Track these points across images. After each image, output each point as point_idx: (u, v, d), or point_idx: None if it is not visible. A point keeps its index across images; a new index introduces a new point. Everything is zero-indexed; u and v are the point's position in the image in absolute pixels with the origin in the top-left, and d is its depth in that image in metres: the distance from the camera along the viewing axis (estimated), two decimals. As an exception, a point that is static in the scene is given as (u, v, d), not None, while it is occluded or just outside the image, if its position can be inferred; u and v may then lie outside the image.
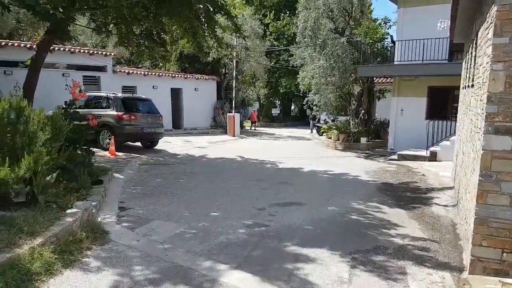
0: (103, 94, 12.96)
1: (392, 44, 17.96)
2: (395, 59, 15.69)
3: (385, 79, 22.85)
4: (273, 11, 35.15)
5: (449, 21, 14.27)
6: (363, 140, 16.88)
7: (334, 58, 15.11)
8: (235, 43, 21.68)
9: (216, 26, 10.09)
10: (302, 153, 15.10)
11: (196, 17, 9.92)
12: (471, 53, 7.15)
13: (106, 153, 11.42)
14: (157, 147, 13.88)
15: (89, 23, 10.48)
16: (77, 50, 16.63)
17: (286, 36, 33.36)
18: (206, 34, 10.62)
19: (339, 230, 5.41)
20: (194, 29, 10.03)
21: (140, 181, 8.06)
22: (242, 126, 26.47)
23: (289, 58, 25.12)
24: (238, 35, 10.12)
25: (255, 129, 27.08)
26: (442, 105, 15.45)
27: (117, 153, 11.46)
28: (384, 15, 63.04)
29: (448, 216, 6.32)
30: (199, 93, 22.94)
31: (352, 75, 17.41)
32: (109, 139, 11.78)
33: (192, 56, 23.74)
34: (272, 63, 33.18)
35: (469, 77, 7.19)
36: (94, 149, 12.14)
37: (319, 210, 6.46)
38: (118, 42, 10.11)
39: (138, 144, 13.81)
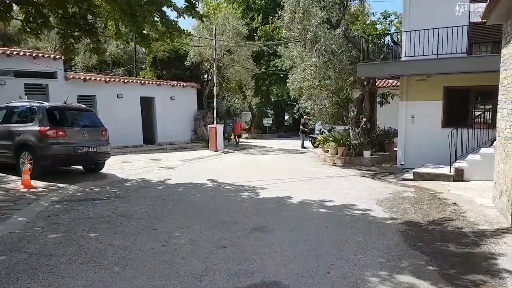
0: (25, 103, 9.95)
1: (392, 44, 15.22)
2: (403, 55, 12.88)
3: (389, 82, 20.03)
4: (261, 14, 32.61)
5: (469, 4, 11.59)
6: (367, 153, 13.97)
7: (328, 55, 12.24)
8: (214, 43, 18.91)
9: (163, 4, 7.21)
10: (294, 172, 12.15)
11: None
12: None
13: (19, 183, 8.37)
14: (105, 170, 10.83)
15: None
16: (15, 53, 13.68)
17: (275, 40, 30.77)
18: (154, 16, 7.75)
19: None
20: (132, 9, 7.14)
21: (16, 243, 4.91)
22: (229, 139, 23.58)
23: (277, 61, 22.39)
24: (192, 14, 7.22)
25: (237, 145, 21.94)
26: (462, 109, 12.62)
27: (36, 182, 8.43)
28: (381, 11, 60.33)
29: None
30: (176, 103, 20.00)
31: (351, 77, 14.61)
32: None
33: (167, 61, 20.95)
34: (262, 69, 30.48)
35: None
36: (13, 177, 9.36)
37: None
38: (22, 29, 7.18)
39: (80, 167, 10.79)
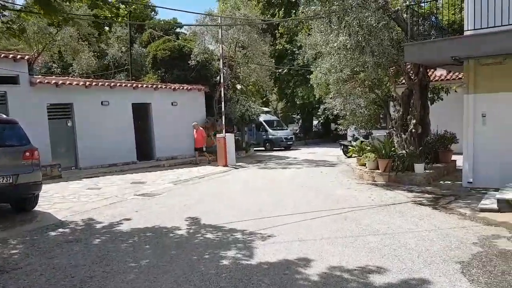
0: None
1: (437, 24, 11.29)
2: (470, 27, 9.06)
3: (436, 75, 16.03)
4: (283, 9, 29.37)
5: None
6: (419, 167, 10.18)
7: (362, 31, 8.63)
8: (220, 35, 15.74)
9: None
10: (318, 198, 8.62)
11: None
12: None
13: None
14: (49, 204, 7.70)
15: None
16: (-42, 53, 10.98)
17: (299, 35, 27.32)
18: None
19: None
20: None
21: None
22: (246, 150, 20.29)
23: (298, 52, 18.78)
24: None
25: (197, 162, 15.52)
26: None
27: None
28: None
29: None
30: (179, 109, 16.88)
31: (392, 67, 10.94)
32: None
33: (169, 61, 17.93)
34: (284, 69, 27.11)
35: None
36: None
37: None
38: None
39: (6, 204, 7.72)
